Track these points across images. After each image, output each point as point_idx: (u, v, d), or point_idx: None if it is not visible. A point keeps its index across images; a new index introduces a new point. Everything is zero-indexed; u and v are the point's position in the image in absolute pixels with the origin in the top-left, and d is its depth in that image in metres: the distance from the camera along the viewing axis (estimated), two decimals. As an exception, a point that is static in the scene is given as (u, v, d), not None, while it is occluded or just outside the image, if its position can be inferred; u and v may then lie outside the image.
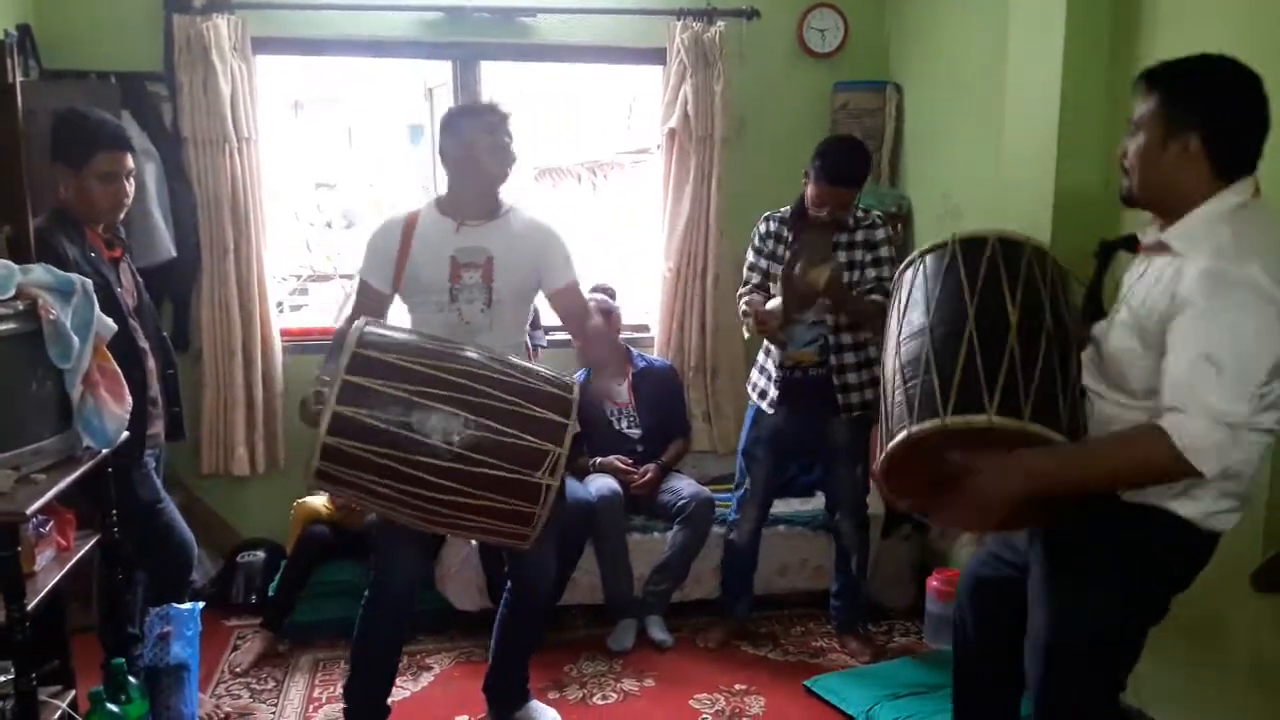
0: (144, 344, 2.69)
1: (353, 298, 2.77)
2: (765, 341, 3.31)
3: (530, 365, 2.32)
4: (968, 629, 2.23)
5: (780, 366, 3.25)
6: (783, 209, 3.28)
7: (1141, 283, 1.80)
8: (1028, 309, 1.84)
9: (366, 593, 2.62)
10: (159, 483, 2.79)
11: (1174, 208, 1.77)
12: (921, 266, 2.00)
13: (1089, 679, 1.89)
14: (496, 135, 2.56)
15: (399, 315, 2.71)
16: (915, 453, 1.84)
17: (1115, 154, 1.89)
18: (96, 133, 2.59)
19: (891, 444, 1.86)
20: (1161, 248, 1.77)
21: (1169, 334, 1.68)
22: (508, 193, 2.67)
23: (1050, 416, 1.76)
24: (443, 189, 2.69)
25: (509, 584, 2.85)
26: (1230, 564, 2.43)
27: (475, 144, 2.55)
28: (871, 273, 3.14)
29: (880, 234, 3.17)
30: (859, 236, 3.16)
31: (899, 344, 1.95)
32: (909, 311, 1.97)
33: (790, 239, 3.19)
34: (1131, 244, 1.92)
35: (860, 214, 3.19)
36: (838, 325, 3.17)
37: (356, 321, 2.22)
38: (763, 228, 3.30)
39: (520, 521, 2.17)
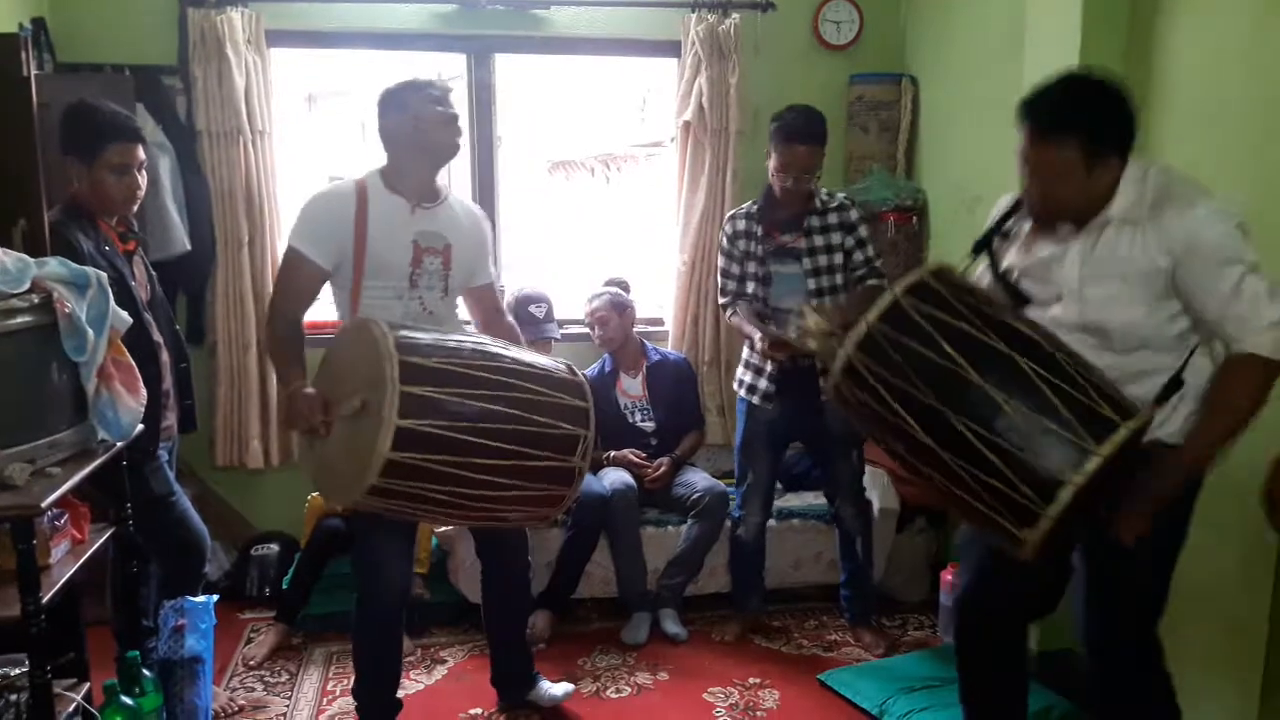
0: (158, 338, 2.69)
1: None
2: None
3: (531, 353, 2.34)
4: (971, 632, 2.27)
5: (772, 359, 3.25)
6: (747, 204, 3.28)
7: (1100, 258, 1.93)
8: (1020, 318, 1.87)
9: (358, 600, 2.58)
10: (172, 476, 2.80)
11: (1094, 209, 1.93)
12: (891, 331, 1.79)
13: (1149, 627, 2.07)
14: (445, 106, 2.48)
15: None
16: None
17: (1024, 189, 1.98)
18: (107, 124, 2.59)
19: (1059, 505, 1.66)
20: (1105, 225, 1.93)
21: (1190, 282, 1.85)
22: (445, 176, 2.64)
23: (1130, 402, 1.77)
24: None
25: (485, 568, 2.84)
26: (1246, 560, 2.42)
27: (424, 116, 2.45)
28: (859, 255, 3.15)
29: (854, 214, 3.17)
30: (831, 219, 3.16)
31: (951, 412, 1.73)
32: (918, 381, 1.75)
33: (760, 234, 3.19)
34: (1002, 232, 2.09)
35: (825, 196, 3.20)
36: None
37: (377, 326, 2.11)
38: (729, 228, 3.29)
39: (550, 505, 2.25)
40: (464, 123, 2.55)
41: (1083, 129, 1.86)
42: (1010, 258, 2.09)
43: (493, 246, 2.72)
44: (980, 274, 2.12)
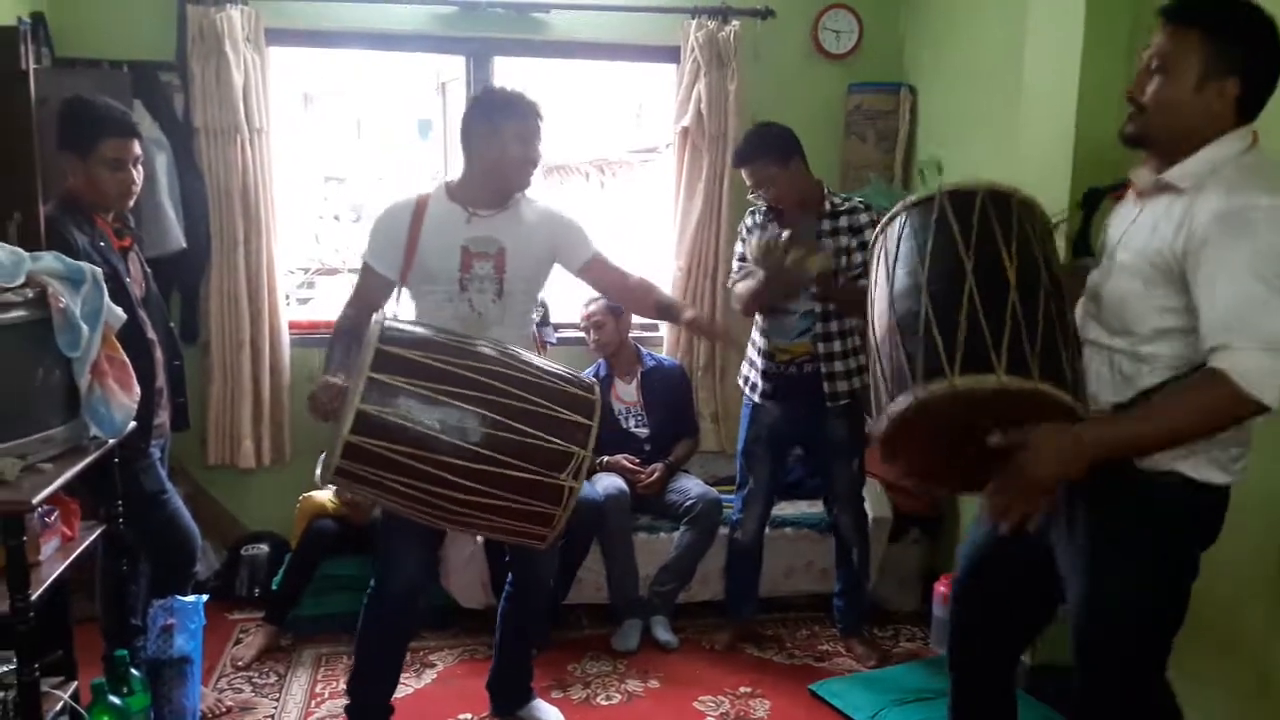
0: (152, 335, 2.68)
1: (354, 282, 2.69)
2: (755, 331, 3.33)
3: (550, 364, 2.30)
4: (970, 608, 2.19)
5: (768, 357, 3.25)
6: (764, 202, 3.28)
7: (1139, 225, 1.79)
8: (1024, 263, 1.78)
9: (370, 590, 2.60)
10: (164, 473, 2.78)
11: (1183, 149, 1.74)
12: (908, 220, 1.90)
13: (1134, 661, 1.88)
14: (533, 147, 2.52)
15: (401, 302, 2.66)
16: (920, 419, 1.74)
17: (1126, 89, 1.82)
18: (103, 119, 2.58)
19: (897, 408, 1.73)
20: (1161, 188, 1.77)
21: (1194, 274, 1.65)
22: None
23: (1058, 375, 1.70)
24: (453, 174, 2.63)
25: (509, 580, 2.83)
26: (1242, 572, 2.42)
27: (511, 154, 2.49)
28: (859, 258, 3.12)
29: (864, 219, 3.15)
30: (842, 222, 3.16)
31: (892, 301, 1.85)
32: (898, 267, 1.87)
33: (776, 227, 3.19)
34: (1118, 189, 1.94)
35: (838, 200, 3.20)
36: (825, 313, 3.17)
37: (376, 315, 2.16)
38: (748, 220, 3.31)
39: (540, 522, 2.15)
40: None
41: (1209, 24, 1.69)
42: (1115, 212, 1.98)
43: (581, 229, 2.69)
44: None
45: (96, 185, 2.58)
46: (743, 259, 3.31)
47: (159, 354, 2.70)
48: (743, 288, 3.21)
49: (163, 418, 2.74)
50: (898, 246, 1.89)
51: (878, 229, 1.99)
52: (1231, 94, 1.70)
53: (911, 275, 1.83)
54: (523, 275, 2.58)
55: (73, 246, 2.43)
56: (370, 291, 2.58)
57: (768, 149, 3.10)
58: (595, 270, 2.69)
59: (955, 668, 2.24)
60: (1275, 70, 1.72)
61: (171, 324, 2.93)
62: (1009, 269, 1.76)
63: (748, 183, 3.17)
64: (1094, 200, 1.98)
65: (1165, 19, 1.74)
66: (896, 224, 1.93)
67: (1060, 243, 1.94)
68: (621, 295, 2.90)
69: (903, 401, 1.73)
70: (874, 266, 1.97)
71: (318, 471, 2.12)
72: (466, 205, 2.54)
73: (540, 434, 2.10)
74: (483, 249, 2.53)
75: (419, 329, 2.21)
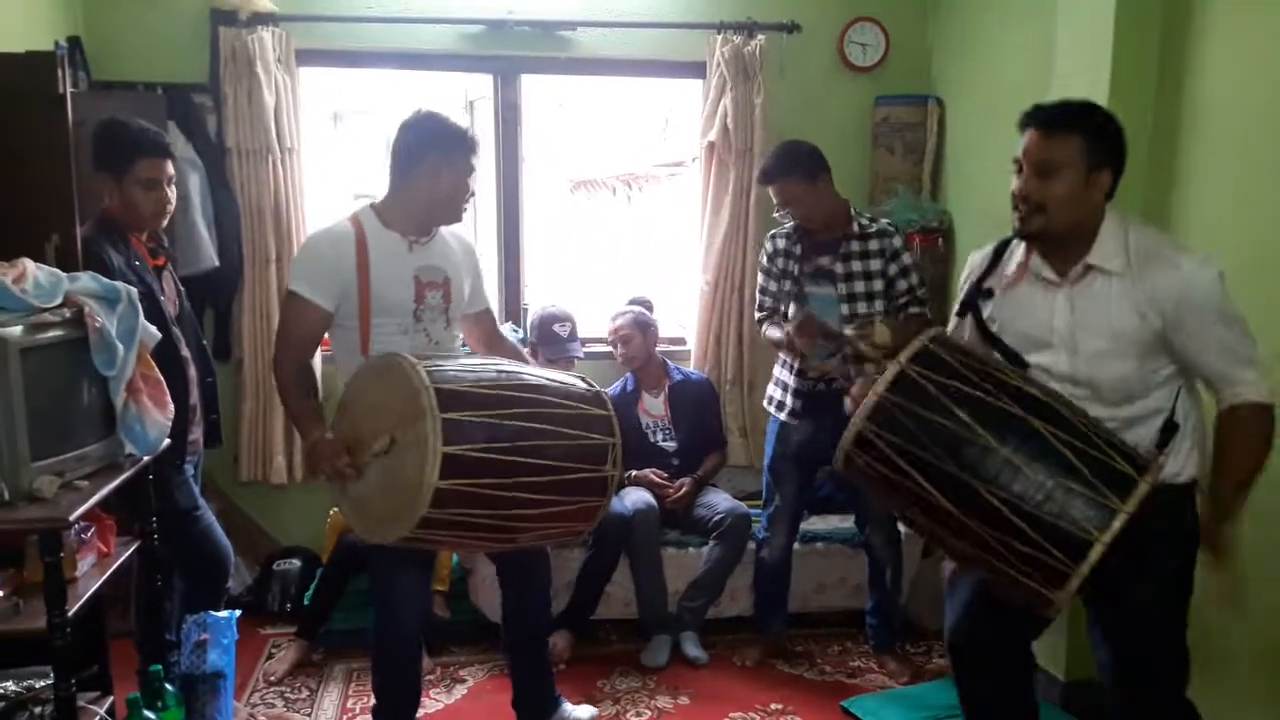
0: (186, 353, 2.71)
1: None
2: (781, 354, 3.32)
3: (548, 369, 2.35)
4: (967, 668, 2.30)
5: (801, 375, 3.24)
6: (787, 225, 3.27)
7: (1085, 310, 1.99)
8: (1029, 377, 1.93)
9: (378, 622, 2.54)
10: (197, 490, 2.81)
11: (1077, 237, 1.99)
12: (898, 398, 1.82)
13: (1182, 661, 2.06)
14: (472, 180, 2.48)
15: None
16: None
17: (1015, 194, 2.01)
18: (136, 140, 2.63)
19: (1090, 564, 1.71)
20: (1087, 270, 1.99)
21: (1186, 342, 1.93)
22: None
23: (1132, 449, 1.81)
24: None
25: (505, 591, 2.79)
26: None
27: (462, 191, 2.45)
28: (902, 284, 3.15)
29: (897, 241, 3.17)
30: (872, 245, 3.15)
31: (968, 480, 1.76)
32: (937, 447, 1.78)
33: (799, 254, 3.20)
34: (987, 294, 2.10)
35: (865, 221, 3.19)
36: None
37: (405, 360, 2.11)
38: (769, 246, 3.30)
39: (586, 517, 2.26)
40: (490, 142, 2.57)
41: (1085, 128, 1.95)
42: (990, 310, 2.12)
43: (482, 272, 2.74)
44: (958, 330, 2.18)
45: (131, 205, 2.62)
46: (764, 290, 3.31)
47: (192, 372, 2.74)
48: (775, 335, 3.23)
49: (196, 435, 2.77)
50: (915, 426, 1.80)
51: (857, 419, 1.86)
52: (1105, 183, 1.98)
53: (967, 448, 1.77)
54: (460, 304, 2.58)
55: (109, 266, 2.47)
56: (308, 329, 2.40)
57: (795, 166, 3.09)
58: (481, 319, 2.72)
59: (960, 683, 2.34)
60: (1125, 158, 2.02)
61: (204, 341, 2.97)
62: (1029, 389, 1.84)
63: (774, 200, 3.16)
64: (975, 308, 2.13)
65: (1043, 129, 1.98)
66: (889, 409, 1.83)
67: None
68: (488, 351, 2.79)
69: (1097, 553, 1.70)
70: (893, 455, 1.84)
71: (366, 533, 2.16)
72: (404, 233, 2.46)
73: (582, 433, 2.20)
74: (432, 278, 2.48)
75: (443, 362, 2.22)
